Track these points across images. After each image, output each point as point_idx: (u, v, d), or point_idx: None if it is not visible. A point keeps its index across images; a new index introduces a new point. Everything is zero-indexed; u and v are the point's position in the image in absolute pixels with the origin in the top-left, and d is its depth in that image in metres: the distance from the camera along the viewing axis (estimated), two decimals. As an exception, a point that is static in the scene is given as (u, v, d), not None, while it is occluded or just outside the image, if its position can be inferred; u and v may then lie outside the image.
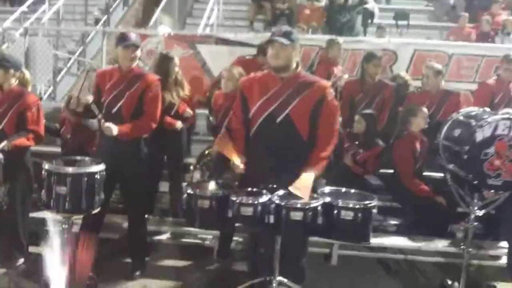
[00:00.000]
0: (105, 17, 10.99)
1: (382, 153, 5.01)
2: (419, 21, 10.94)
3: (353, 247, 4.60)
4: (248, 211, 3.14)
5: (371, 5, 10.28)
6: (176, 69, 4.85)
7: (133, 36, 3.95)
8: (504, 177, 3.17)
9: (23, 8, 10.00)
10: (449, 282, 3.69)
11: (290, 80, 3.43)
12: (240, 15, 11.18)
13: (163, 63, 4.81)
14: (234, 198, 3.17)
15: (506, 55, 5.32)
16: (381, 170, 5.10)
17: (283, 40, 3.28)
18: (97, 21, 10.88)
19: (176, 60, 4.88)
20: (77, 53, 9.62)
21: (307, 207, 3.08)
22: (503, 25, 9.41)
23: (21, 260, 4.18)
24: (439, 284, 3.88)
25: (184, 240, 4.80)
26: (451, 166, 3.46)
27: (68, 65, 9.53)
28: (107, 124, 3.77)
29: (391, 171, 4.97)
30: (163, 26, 10.60)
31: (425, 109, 4.81)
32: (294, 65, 3.42)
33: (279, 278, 3.46)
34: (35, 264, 3.86)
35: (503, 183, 3.18)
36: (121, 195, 4.37)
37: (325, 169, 3.47)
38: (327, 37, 6.58)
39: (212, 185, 3.52)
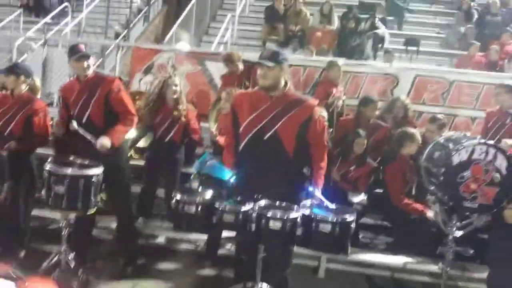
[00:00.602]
0: (125, 32, 11.44)
1: (372, 172, 5.14)
2: (430, 47, 11.07)
3: (340, 261, 4.74)
4: (230, 218, 3.31)
5: (381, 30, 10.49)
6: (177, 89, 5.00)
7: (82, 46, 4.08)
8: (480, 200, 3.28)
9: (47, 19, 10.51)
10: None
11: (278, 98, 3.60)
12: (254, 35, 11.46)
13: (161, 86, 5.05)
14: (217, 206, 3.35)
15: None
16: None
17: (269, 63, 3.46)
18: (117, 35, 11.31)
19: (174, 79, 5.07)
20: (95, 65, 9.95)
21: (285, 217, 3.23)
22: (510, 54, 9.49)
23: (22, 253, 4.39)
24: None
25: (178, 245, 4.97)
26: (431, 188, 3.60)
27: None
28: (99, 142, 3.91)
29: (381, 190, 5.08)
30: (182, 43, 10.99)
31: (419, 135, 4.91)
32: (282, 84, 3.59)
33: (262, 285, 3.60)
34: (35, 258, 4.09)
35: (479, 206, 3.30)
36: (108, 197, 4.53)
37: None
38: (330, 59, 6.78)
39: (209, 194, 3.65)
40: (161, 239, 5.06)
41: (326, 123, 3.88)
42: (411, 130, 5.08)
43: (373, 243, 5.29)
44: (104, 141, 3.93)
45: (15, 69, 4.24)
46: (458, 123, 6.60)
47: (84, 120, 4.05)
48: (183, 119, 4.98)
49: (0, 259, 4.15)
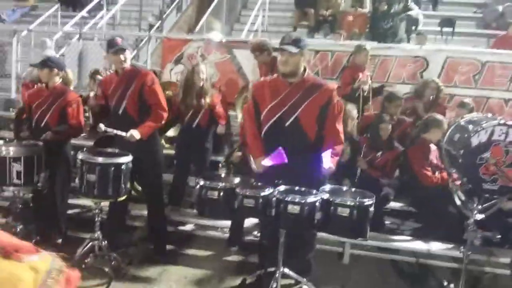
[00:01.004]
0: (158, 23, 11.64)
1: (399, 157, 5.12)
2: (466, 28, 10.73)
3: (365, 247, 4.77)
4: (250, 202, 3.43)
5: (415, 12, 10.24)
6: (200, 74, 5.12)
7: (119, 40, 4.24)
8: (500, 182, 3.24)
9: (83, 13, 10.84)
10: (445, 283, 3.77)
11: (298, 84, 3.67)
12: (285, 21, 11.43)
13: (190, 74, 5.18)
14: (238, 190, 3.46)
15: None
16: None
17: (292, 48, 3.53)
18: (151, 27, 11.52)
19: (201, 67, 5.20)
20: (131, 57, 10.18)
21: (304, 201, 3.31)
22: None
23: (59, 241, 4.65)
24: (438, 285, 3.95)
25: (206, 231, 5.12)
26: (452, 170, 3.59)
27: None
28: (128, 133, 4.12)
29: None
30: (215, 32, 11.11)
31: (446, 123, 4.85)
32: (301, 70, 3.66)
33: (284, 269, 3.70)
34: (72, 245, 4.32)
35: (499, 188, 3.26)
36: (140, 186, 4.72)
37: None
38: (357, 43, 6.72)
39: (237, 180, 3.83)
40: (189, 226, 5.20)
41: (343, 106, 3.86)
42: (439, 116, 5.04)
43: (399, 229, 5.26)
44: (134, 133, 4.13)
45: (48, 63, 4.46)
46: (491, 105, 6.42)
47: (120, 111, 4.27)
48: (207, 104, 5.11)
49: (39, 246, 4.43)
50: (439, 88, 5.94)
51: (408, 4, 10.37)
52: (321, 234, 4.35)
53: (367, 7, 10.58)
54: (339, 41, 7.92)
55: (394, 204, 5.29)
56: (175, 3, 12.43)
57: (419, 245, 4.69)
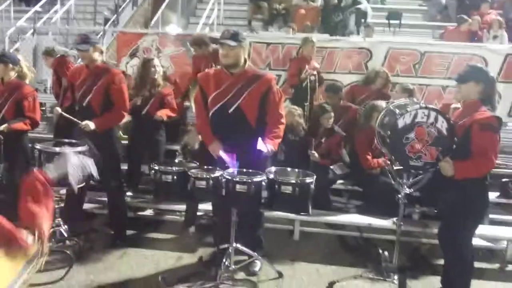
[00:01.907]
0: (113, 17, 11.67)
1: (344, 142, 5.51)
2: (412, 20, 11.32)
3: (314, 225, 5.14)
4: (202, 184, 3.70)
5: (364, 5, 10.73)
6: (154, 68, 5.38)
7: (85, 37, 4.41)
8: (424, 159, 3.63)
9: (37, 7, 10.77)
10: (380, 251, 4.17)
11: (239, 75, 3.98)
12: (240, 15, 11.72)
13: (143, 65, 5.39)
14: (190, 173, 3.74)
15: None
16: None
17: (231, 42, 3.83)
18: (106, 21, 11.53)
19: (155, 61, 5.45)
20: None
21: (250, 181, 3.62)
22: (490, 24, 9.72)
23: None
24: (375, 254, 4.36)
25: (165, 216, 5.38)
26: (383, 150, 3.98)
27: (78, 61, 10.20)
28: (84, 123, 4.31)
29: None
30: (172, 25, 11.25)
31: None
32: (242, 61, 3.97)
33: (236, 245, 4.00)
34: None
35: (424, 164, 3.66)
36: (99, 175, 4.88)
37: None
38: (303, 35, 7.09)
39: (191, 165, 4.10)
40: (148, 212, 5.43)
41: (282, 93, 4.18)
42: (378, 102, 5.44)
43: (346, 207, 5.67)
44: (88, 123, 4.32)
45: (2, 58, 4.58)
46: (430, 91, 6.93)
47: (84, 103, 4.44)
48: (157, 92, 5.39)
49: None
50: (388, 78, 6.41)
51: (357, -3, 10.85)
52: (272, 214, 4.73)
53: (319, 1, 10.98)
54: (292, 34, 8.26)
55: (341, 185, 5.72)
56: (130, -3, 12.46)
57: (361, 220, 5.09)
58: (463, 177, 3.51)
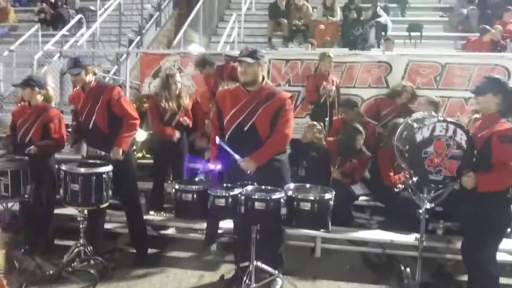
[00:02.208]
0: (137, 38, 11.97)
1: (367, 162, 5.49)
2: (433, 32, 11.24)
3: (335, 241, 5.11)
4: (221, 202, 3.74)
5: (384, 18, 10.73)
6: (178, 85, 5.50)
7: (73, 61, 4.49)
8: (444, 173, 3.60)
9: (63, 31, 11.12)
10: (402, 268, 4.11)
11: (256, 92, 4.03)
12: (260, 32, 11.85)
13: (166, 80, 5.50)
14: (210, 191, 3.78)
15: None
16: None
17: (248, 59, 3.89)
18: (131, 42, 11.84)
19: (178, 77, 5.55)
20: (111, 72, 10.46)
21: (268, 198, 3.64)
22: (512, 33, 9.60)
23: (47, 249, 4.90)
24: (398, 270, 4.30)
25: (187, 234, 5.42)
26: (402, 164, 3.95)
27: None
28: (112, 155, 4.40)
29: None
30: (195, 45, 11.46)
31: None
32: (260, 79, 4.03)
33: (257, 263, 4.01)
34: (59, 252, 4.61)
35: (444, 178, 3.62)
36: (117, 194, 4.95)
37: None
38: (322, 50, 7.12)
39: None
40: (171, 230, 5.49)
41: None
42: (400, 120, 5.39)
43: (368, 223, 5.62)
44: (116, 153, 4.43)
45: (29, 82, 4.77)
46: (452, 104, 6.83)
47: (90, 126, 4.52)
48: (184, 106, 5.51)
49: (28, 254, 4.71)
50: (413, 92, 6.36)
51: (377, 11, 10.87)
52: (293, 231, 4.73)
53: (338, 16, 11.03)
54: (312, 49, 8.31)
55: (364, 201, 5.68)
56: (153, 18, 12.77)
57: (383, 236, 5.03)
58: (485, 190, 3.47)
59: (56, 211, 5.13)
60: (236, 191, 3.77)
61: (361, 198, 5.61)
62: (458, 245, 4.39)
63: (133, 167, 4.78)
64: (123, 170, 4.57)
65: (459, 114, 6.57)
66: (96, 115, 4.48)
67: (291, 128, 4.10)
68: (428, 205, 3.86)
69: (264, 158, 3.93)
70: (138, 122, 4.64)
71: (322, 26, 10.77)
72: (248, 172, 3.90)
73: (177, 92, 5.50)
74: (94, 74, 4.61)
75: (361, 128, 5.55)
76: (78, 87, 4.61)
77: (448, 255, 4.94)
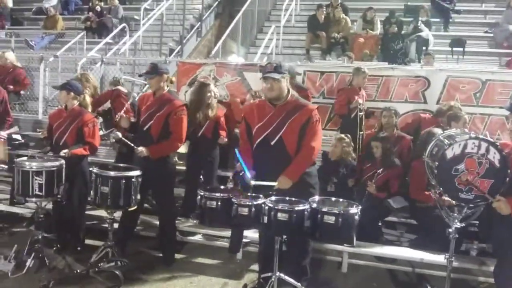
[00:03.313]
0: (178, 48, 12.22)
1: (400, 174, 5.35)
2: (477, 48, 10.92)
3: (363, 257, 5.00)
4: (244, 211, 3.74)
5: (425, 33, 10.52)
6: (210, 93, 5.58)
7: (154, 66, 4.69)
8: (475, 192, 3.47)
9: (107, 39, 11.51)
10: (429, 288, 3.99)
11: (282, 106, 4.02)
12: (298, 44, 11.85)
13: (199, 89, 5.58)
14: (234, 200, 3.79)
15: None
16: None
17: (274, 75, 3.89)
18: (171, 51, 12.10)
19: (212, 87, 5.62)
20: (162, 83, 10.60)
21: (292, 209, 3.61)
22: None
23: (78, 248, 5.04)
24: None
25: (213, 241, 5.44)
26: (432, 181, 3.84)
27: (144, 89, 10.71)
28: (139, 149, 4.53)
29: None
30: (234, 55, 11.61)
31: None
32: (285, 93, 4.01)
33: (279, 274, 3.97)
34: (89, 252, 4.73)
35: (475, 197, 3.49)
36: (154, 200, 5.10)
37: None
38: (360, 63, 7.04)
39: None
40: (198, 237, 5.53)
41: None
42: (435, 129, 5.26)
43: (399, 240, 5.48)
44: (143, 150, 4.54)
45: (66, 86, 4.95)
46: (493, 122, 6.59)
47: (145, 128, 4.68)
48: (213, 116, 5.59)
49: (59, 253, 4.85)
50: (460, 110, 6.15)
51: (419, 25, 10.68)
52: (320, 245, 4.68)
53: (378, 29, 10.91)
54: (348, 63, 8.25)
55: (395, 217, 5.55)
56: (195, 29, 13.01)
57: (412, 254, 4.88)
58: (520, 214, 3.33)
59: (88, 212, 5.27)
60: (260, 201, 3.76)
61: (394, 215, 5.46)
62: (492, 267, 4.25)
63: (170, 175, 4.89)
64: (160, 177, 4.68)
65: (500, 132, 6.33)
66: (154, 120, 4.63)
67: (319, 140, 4.08)
68: (458, 225, 3.73)
69: (298, 174, 3.93)
70: (180, 145, 4.80)
71: (361, 39, 10.68)
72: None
73: (209, 101, 5.55)
74: (171, 82, 4.88)
75: (380, 135, 5.52)
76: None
77: (481, 278, 4.76)
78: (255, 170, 3.94)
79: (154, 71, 4.67)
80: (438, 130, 5.19)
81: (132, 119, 4.91)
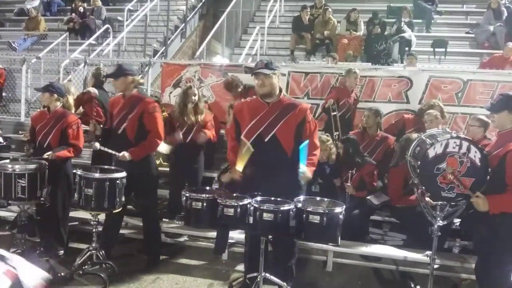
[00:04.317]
0: (162, 49, 12.16)
1: (373, 171, 5.43)
2: (459, 48, 11.08)
3: (348, 256, 5.05)
4: (230, 211, 3.74)
5: (408, 33, 10.64)
6: (196, 98, 5.60)
7: (121, 67, 4.67)
8: (457, 190, 3.53)
9: (91, 40, 11.41)
10: (412, 285, 4.02)
11: (275, 104, 4.03)
12: (283, 45, 11.89)
13: (185, 94, 5.60)
14: (219, 200, 3.79)
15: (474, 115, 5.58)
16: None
17: (265, 71, 3.91)
18: (155, 53, 12.04)
19: (195, 91, 5.66)
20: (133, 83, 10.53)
21: (277, 209, 3.63)
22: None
23: (61, 252, 4.99)
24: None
25: (198, 242, 5.44)
26: (415, 181, 3.89)
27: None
28: (121, 154, 4.48)
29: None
30: (218, 56, 11.60)
31: None
32: (277, 90, 4.03)
33: (265, 274, 3.98)
34: (73, 255, 4.68)
35: (456, 196, 3.54)
36: (137, 201, 5.05)
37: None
38: (344, 64, 7.10)
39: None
40: (183, 238, 5.52)
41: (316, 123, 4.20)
42: (414, 135, 5.32)
43: (383, 239, 5.53)
44: (125, 154, 4.50)
45: (49, 88, 4.88)
46: (474, 120, 6.69)
47: (119, 131, 4.63)
48: (200, 121, 5.57)
49: (43, 256, 4.79)
50: (442, 111, 6.25)
51: (402, 26, 10.79)
52: (305, 244, 4.70)
53: (362, 30, 11.00)
54: (332, 63, 8.30)
55: (379, 216, 5.60)
56: (179, 30, 12.97)
57: (396, 252, 4.95)
58: (499, 211, 3.38)
59: (71, 214, 5.22)
60: (246, 201, 3.77)
61: (379, 214, 5.51)
62: (474, 264, 4.31)
63: (154, 174, 4.85)
64: (145, 177, 4.64)
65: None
66: (127, 122, 4.59)
67: (317, 139, 4.18)
68: (440, 223, 3.79)
69: (315, 164, 4.00)
70: (160, 142, 4.74)
71: (345, 40, 10.76)
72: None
73: (194, 105, 5.60)
74: (139, 84, 4.78)
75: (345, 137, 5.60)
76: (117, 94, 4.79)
77: (463, 275, 4.83)
78: (251, 166, 3.95)
79: (119, 72, 4.64)
80: (416, 135, 5.26)
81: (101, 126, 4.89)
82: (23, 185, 4.44)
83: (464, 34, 11.56)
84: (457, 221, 4.92)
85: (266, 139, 3.99)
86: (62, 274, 4.42)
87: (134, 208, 5.59)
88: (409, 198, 5.02)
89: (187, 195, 3.94)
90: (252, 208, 3.71)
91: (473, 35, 11.31)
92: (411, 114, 6.54)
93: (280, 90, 4.08)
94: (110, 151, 4.56)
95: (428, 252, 3.93)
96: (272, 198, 3.80)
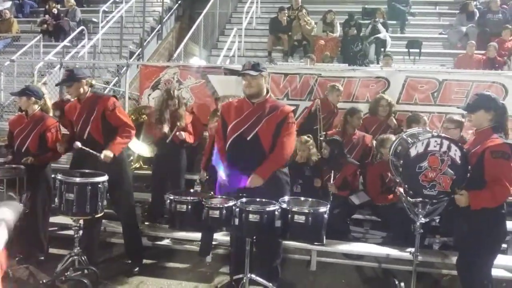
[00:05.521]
0: (139, 51, 12.05)
1: (356, 171, 5.50)
2: (433, 49, 11.32)
3: (331, 255, 5.09)
4: (215, 213, 3.74)
5: (383, 34, 10.82)
6: (175, 106, 5.59)
7: (68, 73, 4.55)
8: (438, 188, 3.60)
9: (65, 42, 11.22)
10: (396, 282, 4.09)
11: (260, 104, 4.07)
12: (260, 46, 11.94)
13: (163, 98, 5.57)
14: (204, 203, 3.79)
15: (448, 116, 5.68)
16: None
17: (252, 72, 3.94)
18: (132, 54, 11.92)
19: (175, 101, 5.61)
20: (112, 83, 10.48)
21: (263, 210, 3.64)
22: (510, 51, 9.65)
23: (41, 258, 4.89)
24: (393, 285, 4.28)
25: (182, 245, 5.41)
26: (397, 179, 3.96)
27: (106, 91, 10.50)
28: (102, 154, 4.37)
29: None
30: (196, 58, 11.56)
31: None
32: (264, 91, 4.07)
33: (251, 275, 3.99)
34: (53, 261, 4.59)
35: (438, 193, 3.62)
36: (113, 204, 4.92)
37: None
38: (322, 65, 7.17)
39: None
40: (166, 241, 5.48)
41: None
42: (387, 135, 5.42)
43: (365, 237, 5.60)
44: (107, 153, 4.41)
45: (26, 91, 4.79)
46: (450, 120, 6.84)
47: (85, 136, 4.52)
48: (181, 124, 5.53)
49: (22, 263, 4.70)
50: (390, 104, 6.35)
51: (377, 27, 10.96)
52: (289, 244, 4.72)
53: (338, 32, 11.13)
54: (310, 64, 8.38)
55: (361, 215, 5.67)
56: (155, 31, 12.87)
57: (379, 250, 5.02)
58: (480, 207, 3.47)
59: (51, 219, 5.13)
60: (231, 203, 3.77)
61: (360, 213, 5.58)
62: (454, 260, 4.37)
63: (129, 177, 4.78)
64: (119, 180, 4.57)
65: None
66: (91, 125, 4.50)
67: (293, 142, 4.18)
68: (422, 220, 3.86)
69: (269, 172, 3.96)
70: (133, 131, 4.65)
71: (322, 42, 10.86)
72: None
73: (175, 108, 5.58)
74: (91, 86, 4.63)
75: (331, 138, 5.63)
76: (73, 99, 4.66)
77: (444, 271, 4.93)
78: (230, 164, 3.98)
79: (71, 78, 4.51)
80: (392, 137, 5.34)
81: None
82: (1, 190, 4.34)
83: (438, 35, 11.81)
84: (437, 218, 5.02)
85: (248, 138, 4.03)
86: (44, 281, 4.34)
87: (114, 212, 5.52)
88: (388, 197, 5.11)
89: (172, 197, 3.92)
90: (237, 209, 3.72)
91: (446, 36, 11.56)
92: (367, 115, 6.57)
93: (267, 91, 4.11)
94: (91, 151, 4.43)
95: (411, 249, 3.99)
96: (257, 199, 3.82)
